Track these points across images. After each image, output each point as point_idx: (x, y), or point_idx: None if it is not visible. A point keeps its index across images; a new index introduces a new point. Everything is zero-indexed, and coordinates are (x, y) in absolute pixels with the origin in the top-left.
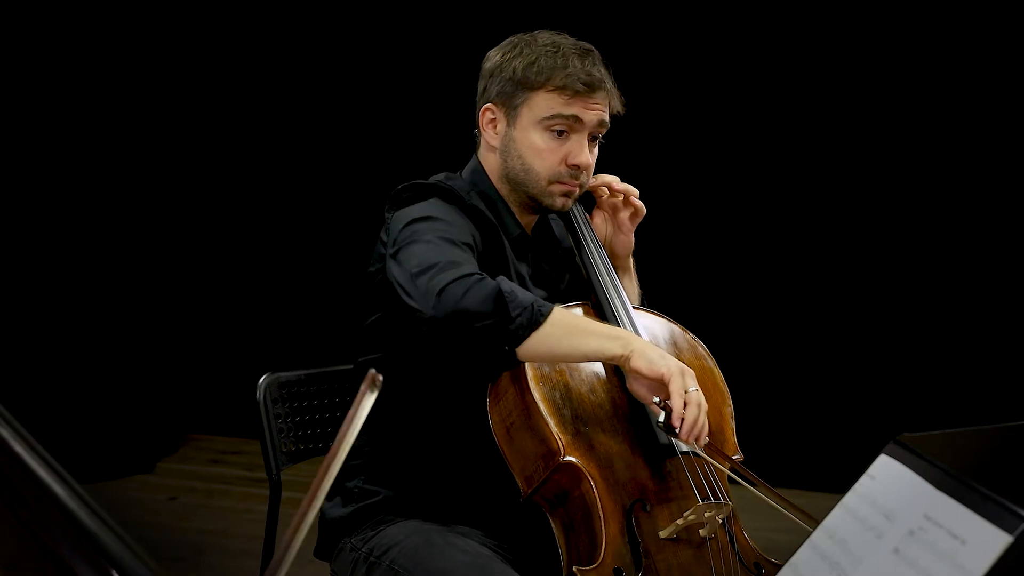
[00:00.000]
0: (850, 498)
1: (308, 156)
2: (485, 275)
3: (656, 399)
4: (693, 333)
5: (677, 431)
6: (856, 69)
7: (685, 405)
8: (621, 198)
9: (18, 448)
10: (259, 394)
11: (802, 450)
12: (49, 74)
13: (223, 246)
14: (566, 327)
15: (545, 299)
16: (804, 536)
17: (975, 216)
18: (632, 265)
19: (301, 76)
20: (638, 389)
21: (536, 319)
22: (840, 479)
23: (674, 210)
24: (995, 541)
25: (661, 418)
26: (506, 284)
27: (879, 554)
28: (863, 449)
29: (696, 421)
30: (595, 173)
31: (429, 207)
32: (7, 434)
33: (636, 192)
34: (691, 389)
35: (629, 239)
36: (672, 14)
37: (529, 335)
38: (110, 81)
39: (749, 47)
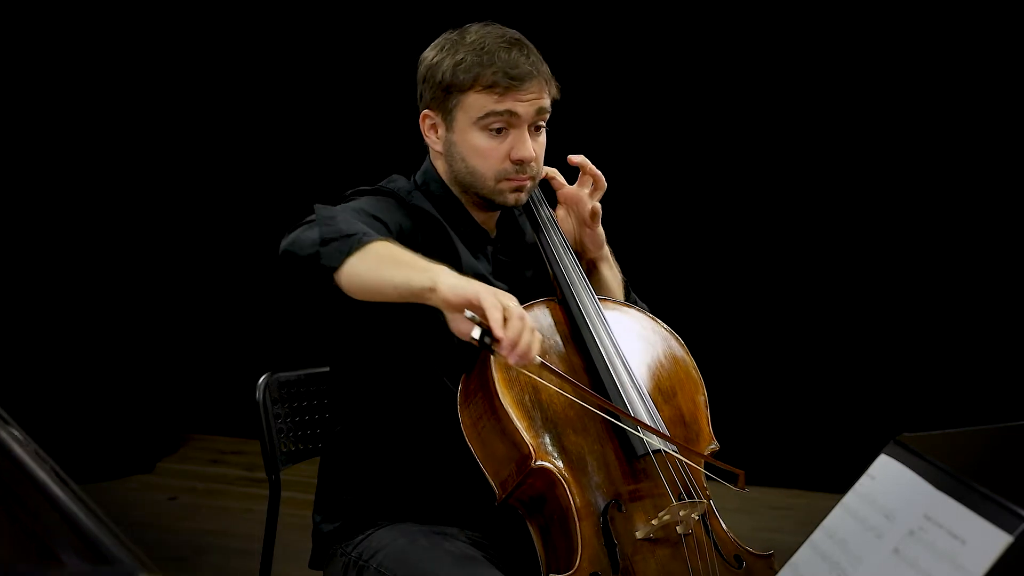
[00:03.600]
0: (850, 498)
1: (308, 157)
2: (341, 219)
3: (471, 314)
4: (689, 331)
5: (496, 350)
6: (850, 65)
7: (506, 320)
8: (581, 182)
9: (17, 450)
10: (259, 394)
11: (802, 450)
12: (49, 74)
13: (223, 246)
14: (380, 257)
15: (506, 292)
16: (803, 536)
17: (975, 216)
18: (610, 254)
19: (300, 81)
20: (457, 326)
21: (352, 246)
22: (840, 479)
23: (674, 207)
24: (995, 541)
25: (476, 333)
26: (326, 210)
27: (879, 554)
28: (863, 449)
29: (519, 334)
30: (548, 160)
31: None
32: (5, 435)
33: (588, 163)
34: (510, 303)
35: (597, 231)
36: (665, 9)
37: (344, 261)
38: (110, 81)
39: (734, 40)
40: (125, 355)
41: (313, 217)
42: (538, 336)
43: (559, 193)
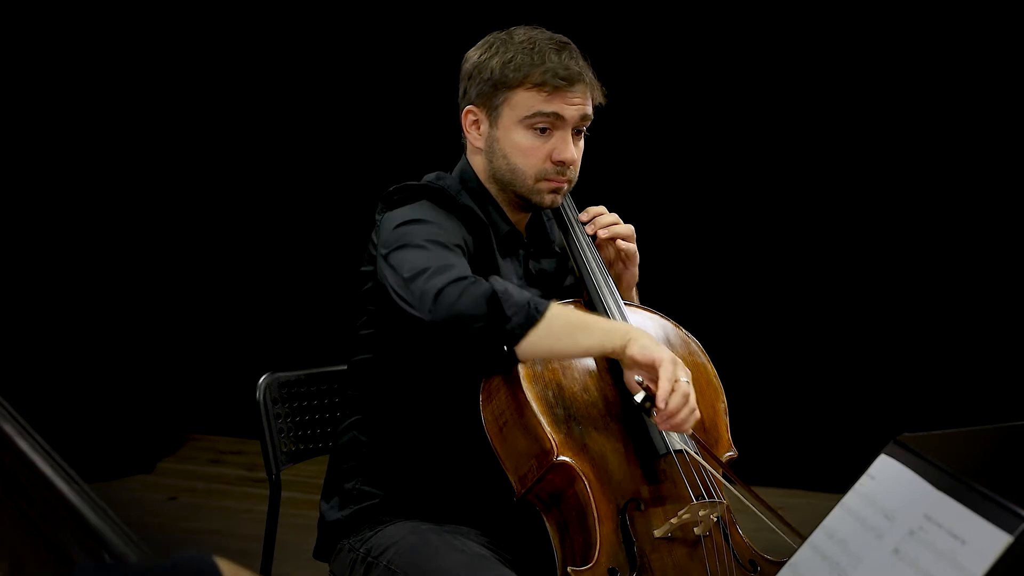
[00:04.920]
0: (850, 498)
1: (308, 156)
2: (479, 277)
3: (639, 379)
4: (689, 331)
5: (654, 414)
6: (855, 67)
7: (672, 392)
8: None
9: (23, 444)
10: (259, 394)
11: (802, 450)
12: (49, 74)
13: (222, 246)
14: (564, 324)
15: (538, 296)
16: (804, 536)
17: (975, 216)
18: (635, 297)
19: (299, 79)
20: (629, 378)
21: (532, 317)
22: (840, 479)
23: (675, 206)
24: (995, 541)
25: (639, 397)
26: (499, 284)
27: (879, 554)
28: (863, 449)
29: (678, 409)
30: (582, 167)
31: (419, 209)
32: (11, 430)
33: (625, 233)
34: (682, 379)
35: (631, 272)
36: (669, 10)
37: (526, 334)
38: (110, 81)
39: (746, 44)
40: (125, 355)
41: (429, 263)
42: (696, 415)
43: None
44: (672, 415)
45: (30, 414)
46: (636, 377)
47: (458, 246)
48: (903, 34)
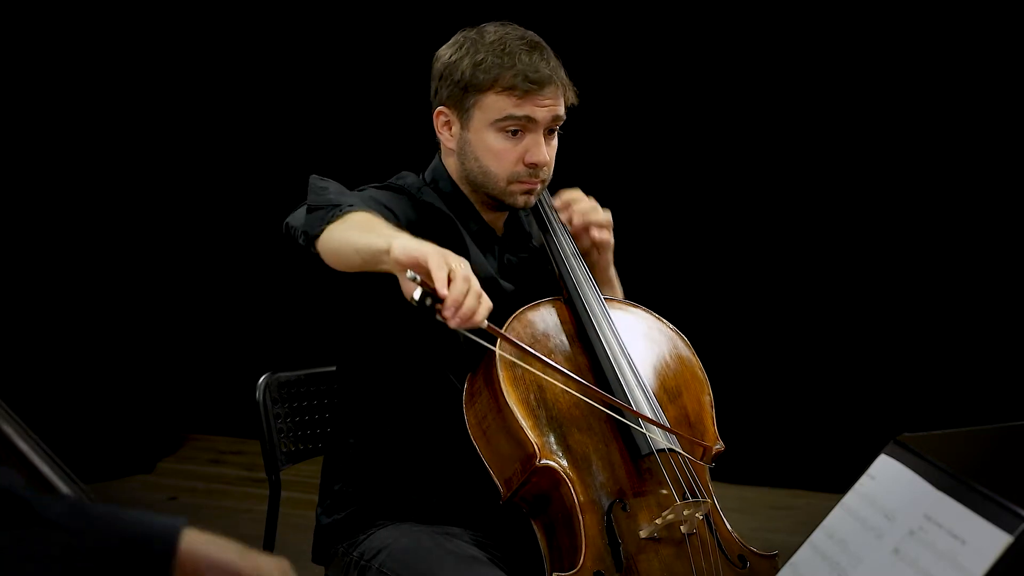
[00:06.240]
0: (850, 498)
1: (308, 157)
2: (333, 191)
3: (412, 274)
4: (688, 330)
5: (437, 308)
6: (851, 65)
7: (451, 280)
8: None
9: (22, 445)
10: (259, 394)
11: (802, 450)
12: (49, 74)
13: (222, 246)
14: (354, 224)
15: (512, 292)
16: (803, 536)
17: (975, 216)
18: (614, 276)
19: (300, 80)
20: (403, 287)
21: (332, 216)
22: (840, 479)
23: (675, 205)
24: (995, 541)
25: (417, 294)
26: (321, 181)
27: (879, 554)
28: (863, 449)
29: (463, 295)
30: (567, 164)
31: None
32: (11, 431)
33: (601, 222)
34: (458, 266)
35: (604, 258)
36: (662, 8)
37: (323, 230)
38: (110, 81)
39: (730, 39)
40: (125, 355)
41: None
42: (487, 302)
43: (572, 225)
44: (458, 302)
45: (31, 414)
46: (408, 274)
47: (386, 207)
48: (902, 34)
